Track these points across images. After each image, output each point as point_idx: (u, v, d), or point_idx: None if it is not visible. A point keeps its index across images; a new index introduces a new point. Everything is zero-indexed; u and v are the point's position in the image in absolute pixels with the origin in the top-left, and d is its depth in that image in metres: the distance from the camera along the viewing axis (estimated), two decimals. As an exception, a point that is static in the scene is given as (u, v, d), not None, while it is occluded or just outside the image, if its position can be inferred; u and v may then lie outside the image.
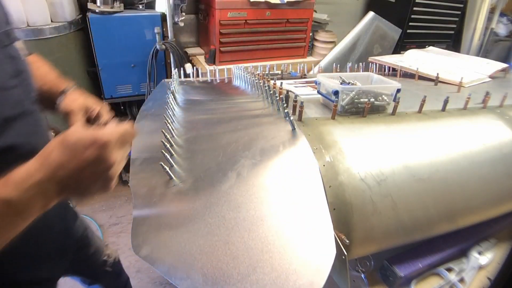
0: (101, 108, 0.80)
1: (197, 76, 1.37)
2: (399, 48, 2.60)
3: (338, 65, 1.36)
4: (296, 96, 1.00)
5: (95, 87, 2.13)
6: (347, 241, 0.62)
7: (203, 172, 0.72)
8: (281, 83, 1.18)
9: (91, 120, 0.79)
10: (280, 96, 0.94)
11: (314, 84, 1.12)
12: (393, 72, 1.44)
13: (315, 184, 0.62)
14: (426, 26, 2.68)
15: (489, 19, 2.92)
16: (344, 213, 0.65)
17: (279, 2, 2.03)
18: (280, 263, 0.51)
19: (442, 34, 2.83)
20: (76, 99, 0.77)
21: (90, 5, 1.87)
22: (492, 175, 0.82)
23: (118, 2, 1.91)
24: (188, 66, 1.94)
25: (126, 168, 0.76)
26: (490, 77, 1.35)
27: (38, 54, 0.80)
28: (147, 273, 1.77)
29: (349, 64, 1.36)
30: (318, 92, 0.96)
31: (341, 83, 0.91)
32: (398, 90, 0.87)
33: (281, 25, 2.15)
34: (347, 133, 0.77)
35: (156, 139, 0.80)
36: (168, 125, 0.85)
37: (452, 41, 2.94)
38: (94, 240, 1.02)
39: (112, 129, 0.48)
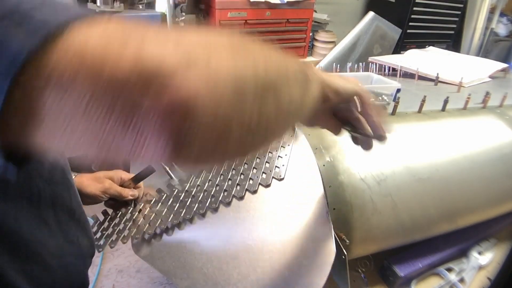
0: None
1: (197, 76, 1.36)
2: (399, 48, 2.60)
3: (338, 65, 1.36)
4: (296, 96, 1.00)
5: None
6: (347, 241, 0.62)
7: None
8: (281, 83, 1.18)
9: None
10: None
11: (314, 84, 1.12)
12: (393, 72, 1.43)
13: (315, 184, 0.62)
14: (426, 26, 2.68)
15: (489, 19, 2.91)
16: (344, 213, 0.64)
17: (279, 2, 2.03)
18: (280, 263, 0.51)
19: (442, 34, 2.82)
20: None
21: (90, 5, 1.87)
22: (492, 175, 0.82)
23: (118, 2, 1.91)
24: (188, 66, 1.94)
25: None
26: (490, 77, 1.35)
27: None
28: (147, 273, 1.76)
29: (349, 64, 1.35)
30: (318, 92, 0.95)
31: (341, 83, 0.91)
32: (398, 90, 0.87)
33: (281, 25, 2.15)
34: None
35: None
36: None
37: (452, 41, 2.94)
38: None
39: None
